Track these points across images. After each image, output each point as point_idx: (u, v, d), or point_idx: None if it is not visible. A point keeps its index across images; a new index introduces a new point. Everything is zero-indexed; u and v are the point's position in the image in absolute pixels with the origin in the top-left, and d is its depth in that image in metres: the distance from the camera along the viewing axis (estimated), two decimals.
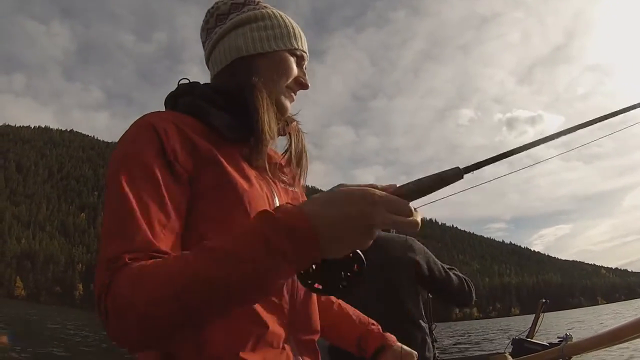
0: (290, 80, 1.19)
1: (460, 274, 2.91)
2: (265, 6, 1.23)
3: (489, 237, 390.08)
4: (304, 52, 1.24)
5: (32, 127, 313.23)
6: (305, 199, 1.21)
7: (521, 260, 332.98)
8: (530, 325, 6.29)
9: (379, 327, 1.50)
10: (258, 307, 0.98)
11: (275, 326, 1.01)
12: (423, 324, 2.69)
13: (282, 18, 1.22)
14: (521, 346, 4.87)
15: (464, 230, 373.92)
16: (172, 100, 1.11)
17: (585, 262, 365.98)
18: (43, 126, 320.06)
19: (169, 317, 0.75)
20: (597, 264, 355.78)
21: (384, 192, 0.78)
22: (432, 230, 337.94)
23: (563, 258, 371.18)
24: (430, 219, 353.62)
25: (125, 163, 0.93)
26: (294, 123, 1.25)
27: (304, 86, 1.23)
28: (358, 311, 1.52)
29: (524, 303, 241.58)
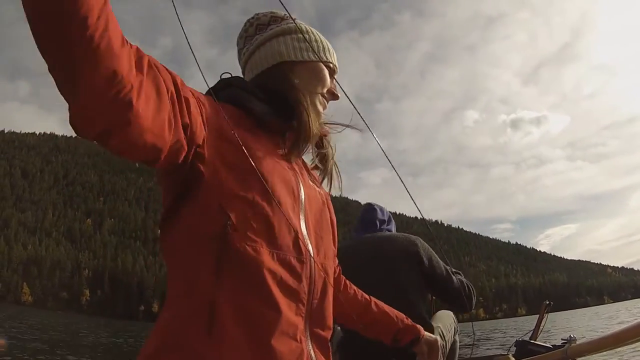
0: (324, 90, 1.28)
1: (464, 279, 2.93)
2: (300, 22, 1.30)
3: (494, 237, 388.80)
4: (336, 66, 1.34)
5: (38, 133, 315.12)
6: (330, 203, 1.27)
7: (527, 260, 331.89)
8: (534, 327, 6.01)
9: (410, 320, 1.60)
10: (274, 289, 0.97)
11: (291, 314, 1.00)
12: (428, 319, 2.70)
13: (317, 34, 1.32)
14: (524, 348, 4.79)
15: (470, 232, 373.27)
16: (213, 93, 1.06)
17: (592, 261, 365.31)
18: (48, 133, 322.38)
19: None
20: (603, 263, 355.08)
21: None
22: (438, 232, 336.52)
23: (569, 258, 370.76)
24: (436, 221, 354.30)
25: None
26: (327, 130, 1.32)
27: (336, 97, 1.31)
28: (391, 307, 1.63)
29: (530, 303, 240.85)
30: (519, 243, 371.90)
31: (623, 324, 2.61)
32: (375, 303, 1.59)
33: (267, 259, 0.97)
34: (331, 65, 1.32)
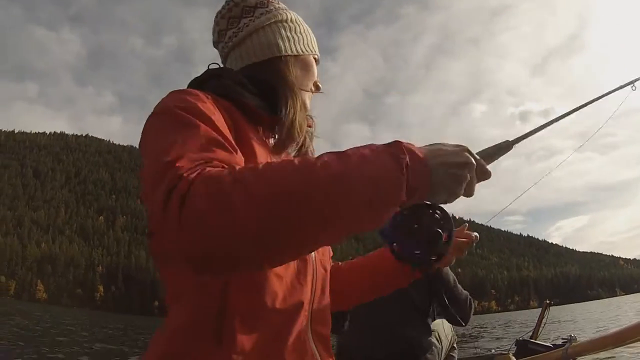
0: (312, 83, 1.26)
1: (464, 291, 2.93)
2: (285, 8, 1.27)
3: (506, 230, 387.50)
4: (319, 57, 1.32)
5: (48, 133, 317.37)
6: None
7: (539, 252, 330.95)
8: (534, 326, 6.29)
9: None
10: (281, 292, 0.96)
11: (297, 316, 0.99)
12: (429, 319, 2.73)
13: (304, 23, 1.29)
14: (525, 347, 4.84)
15: (482, 224, 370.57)
16: (198, 85, 1.07)
17: (604, 253, 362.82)
18: (59, 132, 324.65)
19: (265, 221, 0.67)
20: (615, 255, 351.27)
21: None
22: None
23: (581, 250, 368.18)
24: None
25: (186, 108, 0.90)
26: (312, 122, 1.28)
27: (319, 89, 1.29)
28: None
29: (542, 296, 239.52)
30: (530, 235, 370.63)
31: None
32: (357, 260, 1.49)
33: None
34: (317, 57, 1.30)
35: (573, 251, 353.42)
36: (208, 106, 0.93)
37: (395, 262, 1.25)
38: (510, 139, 1.01)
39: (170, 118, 0.88)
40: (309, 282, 1.04)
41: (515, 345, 5.09)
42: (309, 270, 1.04)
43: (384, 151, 0.78)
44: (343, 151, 0.78)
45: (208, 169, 0.73)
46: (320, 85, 1.29)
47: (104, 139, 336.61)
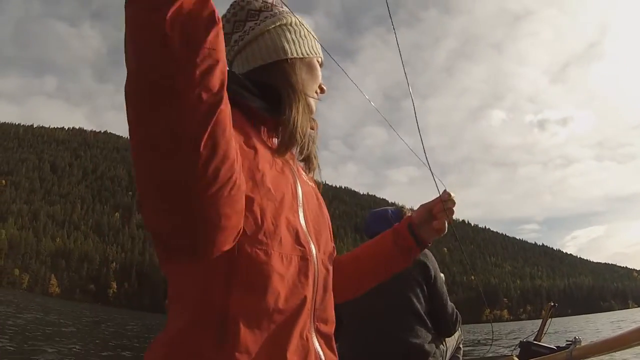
0: (316, 86, 1.27)
1: (451, 303, 2.96)
2: (289, 11, 1.28)
3: (521, 238, 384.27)
4: (322, 60, 1.33)
5: (67, 128, 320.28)
6: (320, 194, 1.28)
7: (553, 262, 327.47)
8: (538, 329, 6.24)
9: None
10: (284, 292, 0.97)
11: (299, 315, 1.00)
12: (428, 320, 2.75)
13: (307, 26, 1.30)
14: (528, 349, 4.72)
15: (497, 232, 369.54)
16: None
17: (618, 264, 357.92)
18: (77, 127, 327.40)
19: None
20: (629, 266, 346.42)
21: None
22: (465, 232, 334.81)
23: (595, 260, 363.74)
24: (463, 220, 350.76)
25: None
26: (316, 125, 1.28)
27: (324, 92, 1.30)
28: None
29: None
30: (545, 244, 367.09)
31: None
32: (354, 251, 1.51)
33: (277, 262, 0.96)
34: (320, 60, 1.31)
35: (587, 262, 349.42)
36: None
37: (393, 243, 1.38)
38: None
39: None
40: (310, 281, 1.04)
41: (519, 347, 4.95)
42: (311, 270, 1.05)
43: None
44: None
45: None
46: (324, 88, 1.29)
47: (122, 136, 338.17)
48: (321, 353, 1.05)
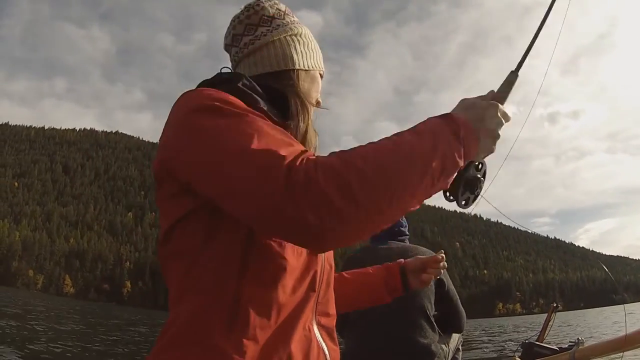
0: (315, 99, 1.30)
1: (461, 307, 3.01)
2: (299, 22, 1.32)
3: (533, 232, 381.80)
4: (323, 73, 1.37)
5: (78, 129, 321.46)
6: None
7: (565, 255, 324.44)
8: (541, 329, 6.40)
9: (391, 262, 1.68)
10: (293, 283, 1.01)
11: (305, 307, 1.04)
12: (433, 321, 2.77)
13: (314, 39, 1.34)
14: (530, 350, 4.87)
15: (509, 226, 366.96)
16: (210, 87, 1.08)
17: (630, 257, 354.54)
18: (88, 128, 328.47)
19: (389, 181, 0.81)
20: None
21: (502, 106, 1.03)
22: (477, 226, 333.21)
23: (608, 253, 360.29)
24: (475, 215, 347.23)
25: (229, 102, 0.95)
26: (316, 135, 1.31)
27: (319, 105, 1.33)
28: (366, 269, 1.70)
29: (567, 299, 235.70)
30: (557, 238, 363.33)
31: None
32: (349, 273, 1.65)
33: (289, 253, 0.99)
34: (322, 74, 1.35)
35: (599, 254, 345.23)
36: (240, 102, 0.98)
37: (384, 281, 1.55)
38: (513, 69, 1.14)
39: (225, 113, 0.92)
40: (317, 275, 1.08)
41: (521, 347, 5.09)
42: (318, 264, 1.09)
43: (446, 127, 0.92)
44: (416, 130, 0.91)
45: (312, 157, 0.83)
46: (320, 102, 1.32)
47: (133, 136, 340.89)
48: (323, 344, 1.09)
